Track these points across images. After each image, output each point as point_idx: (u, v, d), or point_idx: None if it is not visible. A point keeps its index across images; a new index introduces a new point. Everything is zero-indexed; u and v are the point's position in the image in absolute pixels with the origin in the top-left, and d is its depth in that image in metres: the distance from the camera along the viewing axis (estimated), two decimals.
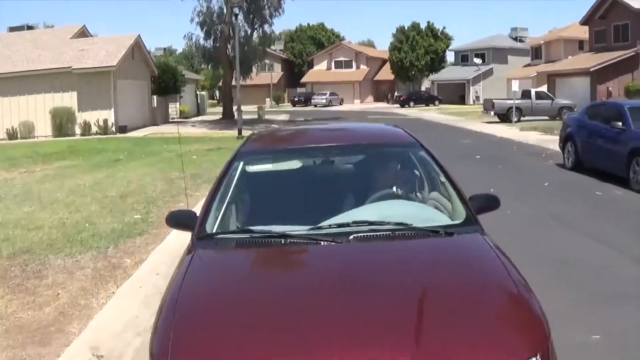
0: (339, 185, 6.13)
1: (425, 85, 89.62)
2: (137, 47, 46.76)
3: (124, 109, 42.89)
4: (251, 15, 54.22)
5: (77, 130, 41.10)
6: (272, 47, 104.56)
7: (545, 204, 14.04)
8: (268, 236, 4.83)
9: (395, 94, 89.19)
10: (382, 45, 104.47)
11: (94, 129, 41.00)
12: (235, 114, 57.40)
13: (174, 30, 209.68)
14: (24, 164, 25.47)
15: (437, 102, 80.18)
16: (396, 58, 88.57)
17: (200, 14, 53.75)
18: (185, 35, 79.16)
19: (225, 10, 38.22)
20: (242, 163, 6.04)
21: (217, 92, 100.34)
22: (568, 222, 12.22)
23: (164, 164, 23.58)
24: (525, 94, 44.99)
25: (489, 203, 5.70)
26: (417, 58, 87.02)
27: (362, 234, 4.70)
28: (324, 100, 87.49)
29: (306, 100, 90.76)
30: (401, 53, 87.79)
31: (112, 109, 41.73)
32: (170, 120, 56.03)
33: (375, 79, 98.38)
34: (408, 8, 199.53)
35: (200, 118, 61.56)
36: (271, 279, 4.37)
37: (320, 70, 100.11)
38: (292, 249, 4.72)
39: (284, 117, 61.57)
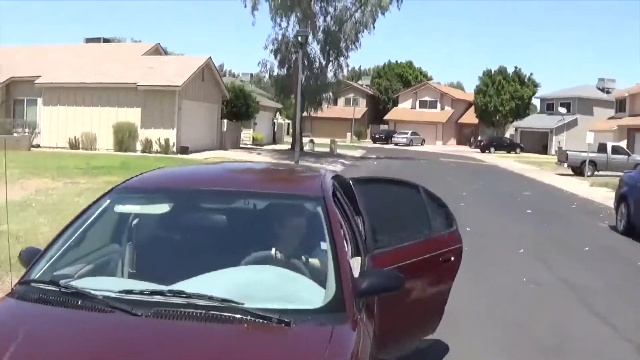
0: (212, 239, 5.15)
1: (509, 131, 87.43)
2: (208, 69, 46.36)
3: (188, 130, 42.32)
4: (327, 47, 53.41)
5: (139, 147, 40.75)
6: (359, 82, 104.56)
7: (571, 271, 12.29)
8: (69, 294, 4.11)
9: (478, 138, 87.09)
10: (471, 88, 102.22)
11: (155, 147, 40.56)
12: (306, 145, 57.28)
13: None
14: (72, 174, 25.39)
15: (518, 150, 78.00)
16: (481, 102, 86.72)
17: (275, 42, 53.28)
18: (259, 62, 79.01)
19: (300, 39, 37.50)
20: (109, 201, 5.16)
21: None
22: (585, 295, 10.48)
23: None
24: (602, 148, 42.77)
25: (386, 283, 4.52)
26: (501, 103, 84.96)
27: (166, 309, 3.88)
28: (404, 140, 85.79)
29: (387, 138, 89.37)
30: (486, 97, 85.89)
31: (175, 129, 41.18)
32: (240, 146, 55.53)
33: (459, 121, 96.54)
34: (497, 52, 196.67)
35: (272, 147, 60.76)
36: (29, 345, 3.64)
37: (404, 108, 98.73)
38: (79, 313, 3.97)
39: (358, 152, 60.17)
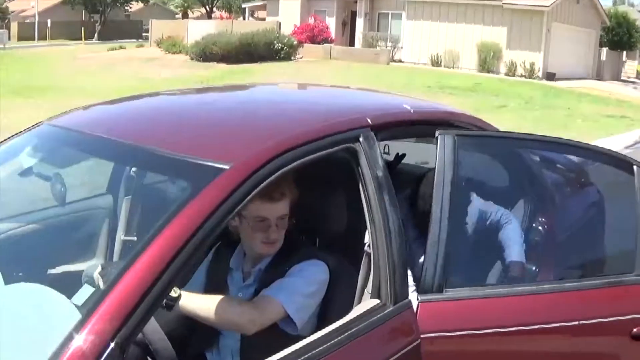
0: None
1: None
2: None
3: (557, 55, 37.59)
4: None
5: (502, 69, 37.01)
6: None
7: None
8: None
9: None
10: None
11: (520, 70, 36.58)
12: None
13: None
14: (415, 93, 22.50)
15: None
16: None
17: None
18: None
19: None
20: (28, 147, 3.23)
21: None
22: None
23: (538, 122, 19.47)
24: None
25: None
26: None
27: None
28: None
29: None
30: None
31: (541, 53, 36.77)
32: (621, 78, 49.79)
33: None
34: None
35: None
36: None
37: None
38: None
39: None
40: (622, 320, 3.15)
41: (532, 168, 3.59)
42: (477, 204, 3.44)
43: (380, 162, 2.80)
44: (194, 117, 3.26)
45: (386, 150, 4.17)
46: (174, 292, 2.53)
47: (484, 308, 2.87)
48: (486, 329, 2.83)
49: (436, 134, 2.94)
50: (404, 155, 4.08)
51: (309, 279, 2.86)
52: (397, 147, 4.10)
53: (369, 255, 2.83)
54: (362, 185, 2.75)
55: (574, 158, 3.72)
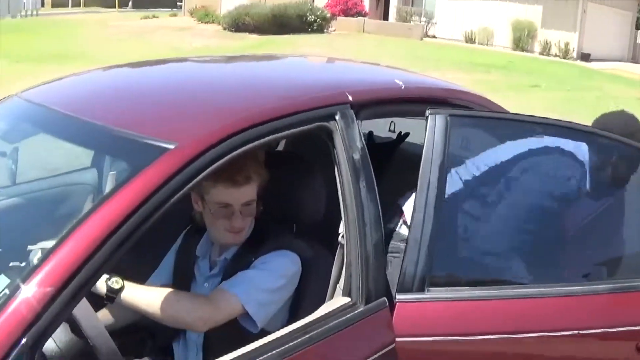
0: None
1: None
2: None
3: (592, 36, 36.85)
4: None
5: (537, 48, 36.33)
6: None
7: None
8: None
9: None
10: None
11: (554, 50, 35.85)
12: None
13: None
14: (446, 68, 23.23)
15: None
16: None
17: None
18: None
19: None
20: None
21: None
22: None
23: (569, 103, 18.94)
24: None
25: None
26: None
27: None
28: None
29: None
30: None
31: (577, 33, 36.04)
32: None
33: None
34: None
35: None
36: None
37: None
38: None
39: None
40: (628, 331, 2.78)
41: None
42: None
43: (359, 144, 2.48)
44: (155, 91, 2.94)
45: (392, 127, 3.90)
46: (116, 283, 2.32)
47: (472, 311, 2.55)
48: (473, 335, 2.51)
49: (426, 113, 2.59)
50: (407, 134, 3.76)
51: (274, 272, 2.56)
52: (404, 124, 3.81)
53: (343, 247, 2.53)
54: (337, 170, 2.46)
55: (588, 145, 3.07)
